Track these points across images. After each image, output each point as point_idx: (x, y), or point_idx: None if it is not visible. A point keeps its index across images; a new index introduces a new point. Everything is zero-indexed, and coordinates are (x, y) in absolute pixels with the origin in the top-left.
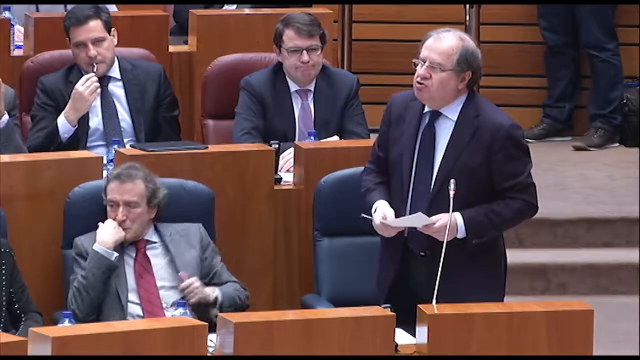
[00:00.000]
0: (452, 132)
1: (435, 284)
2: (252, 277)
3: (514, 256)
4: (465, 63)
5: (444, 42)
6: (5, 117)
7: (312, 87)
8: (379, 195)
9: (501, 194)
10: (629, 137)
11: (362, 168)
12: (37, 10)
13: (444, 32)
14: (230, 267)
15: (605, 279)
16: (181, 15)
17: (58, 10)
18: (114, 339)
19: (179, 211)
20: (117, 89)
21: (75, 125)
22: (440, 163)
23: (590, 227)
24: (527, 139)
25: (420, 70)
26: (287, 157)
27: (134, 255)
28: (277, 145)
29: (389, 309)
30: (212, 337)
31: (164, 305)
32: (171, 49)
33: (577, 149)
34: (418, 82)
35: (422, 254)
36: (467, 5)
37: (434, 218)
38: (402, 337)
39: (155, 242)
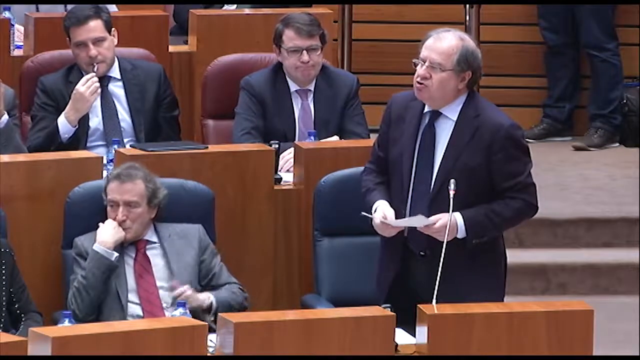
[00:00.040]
0: (452, 132)
1: (435, 284)
2: (252, 277)
3: (514, 256)
4: (465, 63)
5: (444, 42)
6: (5, 117)
7: (312, 87)
8: (379, 195)
9: (501, 194)
10: (629, 137)
11: (362, 168)
12: (37, 10)
13: (444, 32)
14: (230, 267)
15: (605, 279)
16: (181, 15)
17: (58, 10)
18: (114, 339)
19: (179, 211)
20: (117, 89)
21: (75, 126)
22: (440, 163)
23: (590, 227)
24: (527, 139)
25: (420, 70)
26: (287, 157)
27: (133, 255)
28: (277, 145)
29: (389, 309)
30: (212, 337)
31: (164, 305)
32: (171, 49)
33: (577, 149)
34: (418, 82)
35: (422, 254)
36: (467, 5)
37: (433, 218)
38: (402, 337)
39: (155, 242)
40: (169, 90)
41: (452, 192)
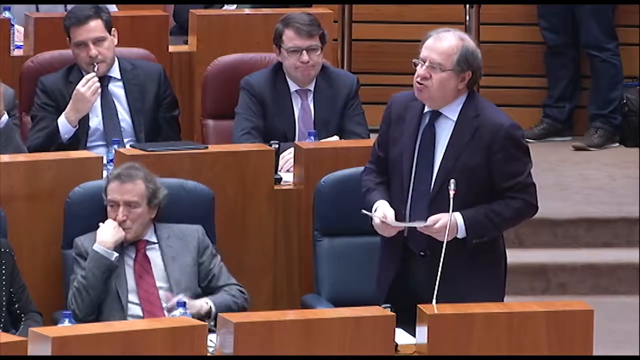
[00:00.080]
0: (452, 132)
1: (435, 284)
2: (252, 277)
3: (514, 256)
4: (465, 63)
5: (444, 42)
6: (5, 117)
7: (312, 87)
8: (380, 195)
9: (501, 193)
10: (629, 137)
11: (362, 168)
12: (37, 10)
13: (444, 32)
14: (230, 267)
15: (605, 279)
16: (181, 15)
17: (58, 10)
18: (114, 339)
19: (179, 211)
20: (117, 89)
21: (76, 126)
22: (440, 163)
23: (590, 227)
24: (527, 139)
25: (420, 70)
26: (287, 157)
27: (133, 255)
28: (277, 145)
29: (389, 309)
30: (212, 337)
31: (164, 306)
32: (171, 49)
33: (577, 149)
34: (418, 83)
35: (422, 254)
36: (467, 5)
37: (433, 218)
38: (402, 337)
39: (155, 243)
40: (169, 90)
41: (452, 192)
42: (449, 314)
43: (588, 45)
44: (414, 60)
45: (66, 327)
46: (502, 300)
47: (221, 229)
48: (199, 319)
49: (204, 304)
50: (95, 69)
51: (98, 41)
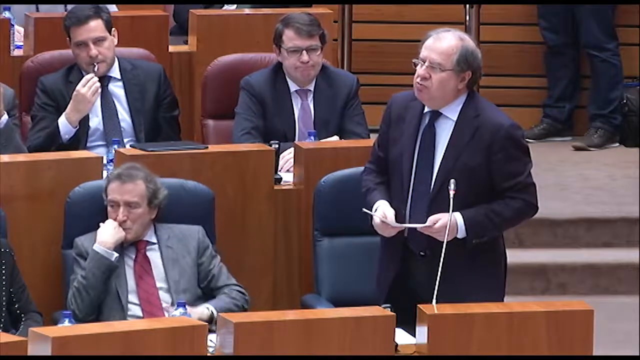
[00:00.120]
0: (452, 132)
1: (435, 284)
2: (252, 277)
3: (514, 256)
4: (465, 63)
5: (443, 42)
6: (5, 117)
7: (312, 87)
8: (380, 195)
9: (501, 193)
10: (629, 137)
11: (362, 168)
12: (37, 10)
13: (444, 32)
14: (230, 267)
15: (605, 279)
16: (181, 15)
17: (58, 10)
18: (114, 339)
19: (179, 211)
20: (117, 89)
21: (76, 126)
22: (440, 163)
23: (590, 227)
24: (527, 139)
25: (420, 70)
26: (287, 157)
27: (133, 256)
28: (277, 145)
29: (389, 309)
30: (212, 337)
31: (164, 306)
32: (171, 49)
33: (577, 149)
34: (418, 83)
35: (422, 254)
36: (467, 5)
37: (433, 218)
38: (402, 337)
39: (156, 243)
40: (169, 90)
41: (452, 192)
42: (449, 314)
43: (588, 45)
44: (413, 60)
45: (66, 327)
46: (502, 300)
47: (221, 229)
48: None
49: (205, 309)
50: (95, 69)
51: (98, 41)
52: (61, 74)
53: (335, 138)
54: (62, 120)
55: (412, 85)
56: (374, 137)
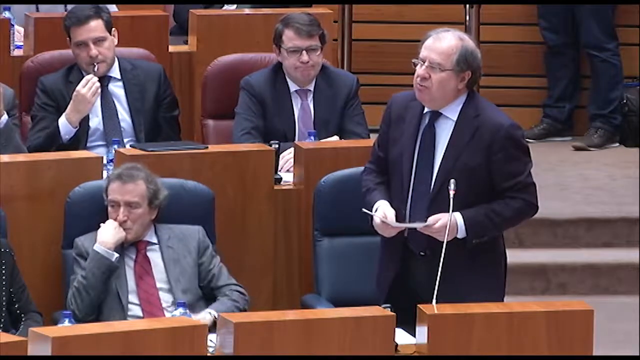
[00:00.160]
0: (452, 132)
1: (435, 284)
2: (252, 277)
3: (514, 256)
4: (464, 63)
5: (443, 42)
6: (5, 117)
7: (311, 87)
8: (380, 196)
9: (501, 193)
10: (629, 137)
11: (362, 168)
12: (37, 10)
13: (444, 32)
14: (230, 267)
15: (605, 279)
16: (181, 15)
17: (58, 10)
18: (114, 339)
19: (179, 211)
20: (117, 89)
21: (76, 127)
22: (440, 163)
23: (590, 227)
24: (527, 139)
25: (420, 70)
26: (287, 157)
27: (134, 256)
28: (277, 145)
29: (389, 309)
30: (212, 337)
31: (164, 305)
32: (171, 49)
33: (577, 149)
34: (419, 84)
35: (422, 253)
36: (467, 5)
37: (433, 218)
38: (402, 337)
39: (156, 244)
40: (169, 90)
41: (452, 192)
42: (449, 314)
43: (588, 45)
44: (413, 60)
45: (66, 327)
46: (502, 300)
47: (221, 229)
48: None
49: (207, 314)
50: (95, 69)
51: (98, 41)
52: (61, 74)
53: (335, 138)
54: (62, 121)
55: (412, 85)
56: (374, 137)
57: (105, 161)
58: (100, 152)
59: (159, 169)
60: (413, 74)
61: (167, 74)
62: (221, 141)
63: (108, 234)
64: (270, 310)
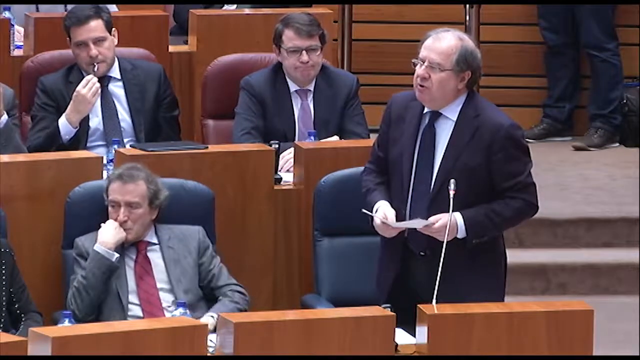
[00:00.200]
0: (452, 132)
1: (435, 284)
2: (252, 277)
3: (514, 256)
4: (464, 63)
5: (443, 42)
6: (5, 117)
7: (311, 87)
8: (380, 196)
9: (501, 193)
10: (629, 137)
11: (362, 168)
12: (37, 10)
13: (443, 32)
14: (230, 267)
15: (605, 279)
16: (181, 15)
17: (58, 10)
18: (114, 339)
19: (179, 211)
20: (117, 89)
21: (76, 127)
22: (440, 163)
23: (590, 227)
24: (527, 139)
25: (420, 70)
26: (287, 157)
27: (134, 256)
28: (277, 145)
29: (389, 309)
30: (212, 337)
31: (164, 305)
32: (171, 49)
33: (577, 149)
34: (419, 84)
35: (422, 253)
36: (467, 5)
37: (433, 218)
38: (402, 337)
39: (156, 244)
40: (169, 90)
41: (452, 192)
42: (449, 314)
43: (588, 45)
44: (413, 61)
45: (66, 327)
46: (502, 300)
47: (221, 229)
48: None
49: (210, 318)
50: (95, 69)
51: (98, 41)
52: (61, 74)
53: (335, 138)
54: (62, 121)
55: (412, 85)
56: (374, 137)
57: (105, 161)
58: (100, 152)
59: (159, 169)
60: (413, 74)
61: (167, 74)
62: (221, 141)
63: (108, 234)
64: (270, 310)
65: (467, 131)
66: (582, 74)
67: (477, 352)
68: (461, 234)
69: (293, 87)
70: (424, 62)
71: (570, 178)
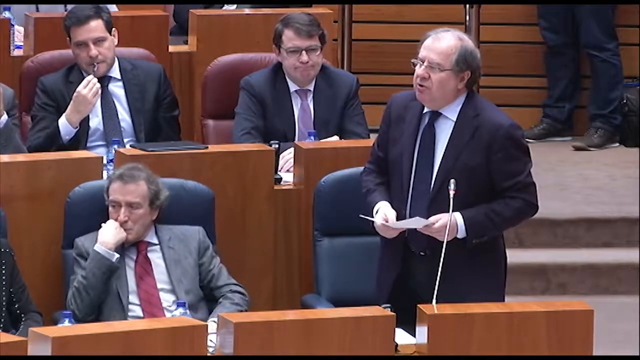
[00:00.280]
0: (452, 132)
1: (435, 284)
2: (252, 277)
3: (514, 256)
4: (464, 63)
5: (442, 42)
6: (5, 117)
7: (311, 87)
8: (380, 196)
9: (501, 193)
10: (629, 137)
11: (362, 168)
12: (37, 10)
13: (443, 32)
14: (230, 267)
15: (605, 279)
16: (181, 15)
17: (58, 10)
18: (114, 339)
19: (179, 211)
20: (117, 89)
21: (77, 127)
22: (440, 163)
23: (590, 227)
24: (527, 139)
25: (419, 70)
26: (287, 157)
27: (134, 257)
28: (277, 145)
29: (389, 309)
30: (212, 337)
31: (165, 305)
32: (171, 49)
33: (577, 149)
34: (419, 85)
35: (422, 253)
36: (467, 5)
37: (433, 218)
38: (402, 337)
39: (156, 244)
40: (169, 90)
41: (452, 192)
42: (449, 314)
43: (588, 45)
44: (412, 61)
45: (66, 327)
46: (502, 300)
47: (221, 229)
48: None
49: (212, 323)
50: (95, 69)
51: (98, 41)
52: (61, 74)
53: (335, 138)
54: (62, 121)
55: (412, 85)
56: (374, 137)
57: (105, 161)
58: (100, 152)
59: (159, 169)
60: (413, 74)
61: (167, 74)
62: (221, 141)
63: (109, 234)
64: (270, 310)
65: (467, 131)
66: (582, 74)
67: (477, 352)
68: (461, 234)
69: (293, 87)
70: (423, 62)
71: (570, 178)
